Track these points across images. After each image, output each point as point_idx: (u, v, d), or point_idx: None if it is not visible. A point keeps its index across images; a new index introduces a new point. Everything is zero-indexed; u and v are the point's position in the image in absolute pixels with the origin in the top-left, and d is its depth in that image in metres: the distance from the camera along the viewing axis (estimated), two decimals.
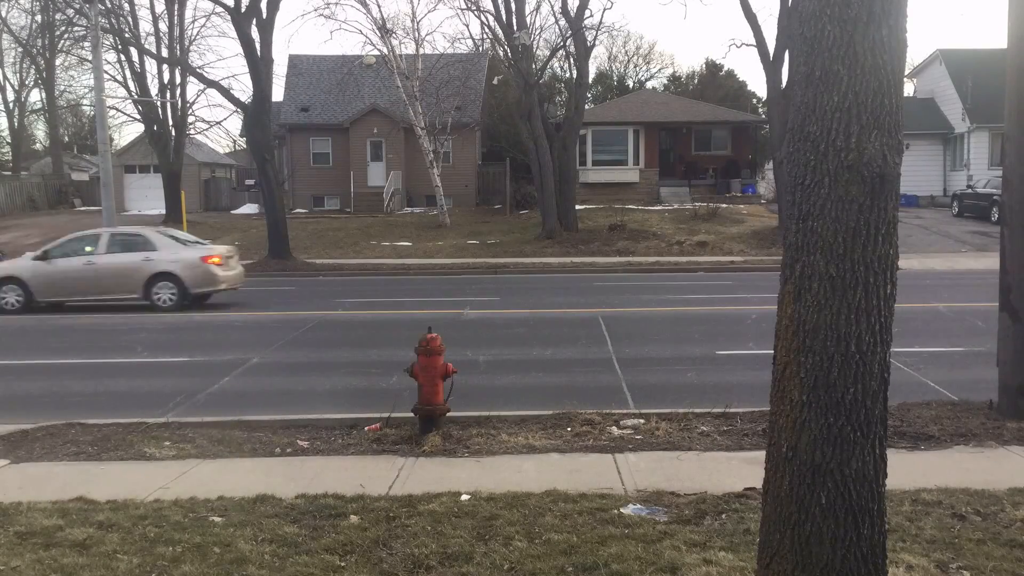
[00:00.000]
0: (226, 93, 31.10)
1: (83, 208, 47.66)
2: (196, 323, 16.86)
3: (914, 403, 8.82)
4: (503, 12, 31.55)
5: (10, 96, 55.89)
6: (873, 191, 3.73)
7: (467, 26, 63.89)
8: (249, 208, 44.64)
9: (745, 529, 5.54)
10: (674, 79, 58.44)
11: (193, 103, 46.09)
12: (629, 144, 41.47)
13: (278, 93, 40.44)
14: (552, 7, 36.29)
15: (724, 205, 36.51)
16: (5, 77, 55.39)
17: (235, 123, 70.86)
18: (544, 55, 37.62)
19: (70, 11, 38.12)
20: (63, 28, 46.32)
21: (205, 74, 36.83)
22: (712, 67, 55.70)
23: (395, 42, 35.50)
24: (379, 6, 73.22)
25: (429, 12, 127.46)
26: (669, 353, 12.54)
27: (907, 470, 6.66)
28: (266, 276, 26.04)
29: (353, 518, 5.90)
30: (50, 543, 5.53)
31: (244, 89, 51.68)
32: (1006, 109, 8.55)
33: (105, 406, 9.80)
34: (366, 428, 8.43)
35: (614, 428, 8.27)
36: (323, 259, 28.88)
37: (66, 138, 61.32)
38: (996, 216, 29.51)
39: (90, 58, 35.51)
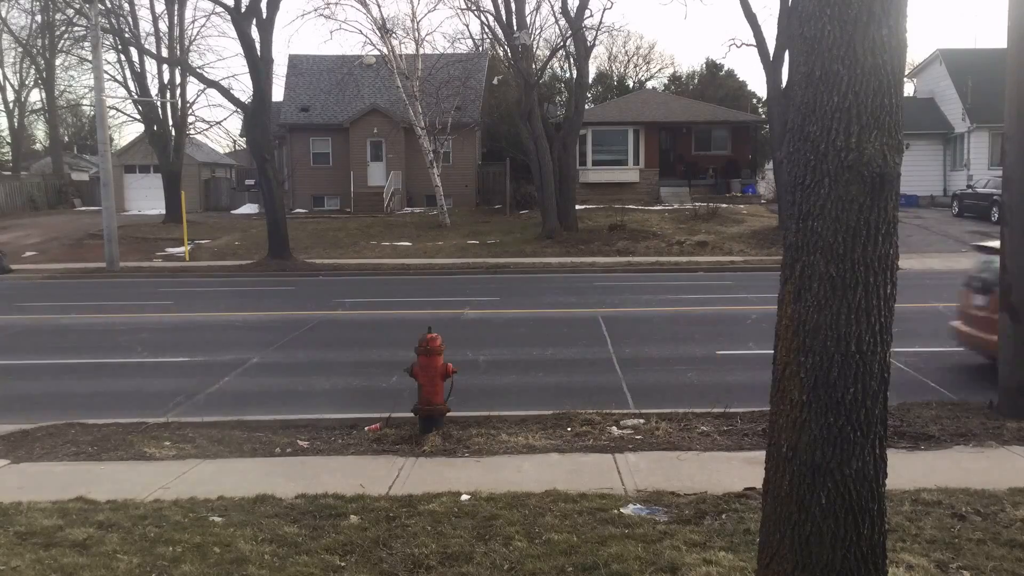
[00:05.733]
0: (226, 93, 31.12)
1: (83, 208, 47.70)
2: (196, 323, 16.87)
3: (914, 403, 8.82)
4: (503, 12, 31.54)
5: (10, 96, 56.02)
6: (873, 191, 3.73)
7: (467, 26, 63.93)
8: (249, 208, 44.66)
9: (745, 529, 5.54)
10: (674, 79, 58.46)
11: (193, 103, 46.26)
12: (629, 144, 41.46)
13: (278, 93, 40.49)
14: (552, 7, 36.33)
15: (724, 205, 36.50)
16: (5, 77, 55.52)
17: (235, 123, 71.03)
18: (544, 55, 37.61)
19: (70, 11, 38.25)
20: (63, 28, 46.43)
21: (205, 74, 36.92)
22: (712, 67, 55.72)
23: (395, 42, 35.51)
24: (379, 6, 73.38)
25: (429, 12, 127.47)
26: (669, 353, 12.54)
27: (907, 470, 6.66)
28: (266, 276, 26.05)
29: (353, 518, 5.90)
30: (50, 543, 5.52)
31: (244, 89, 51.87)
32: (1006, 109, 8.56)
33: (105, 406, 9.80)
34: (366, 428, 8.43)
35: (614, 428, 8.26)
36: (323, 259, 28.88)
37: (66, 138, 61.36)
38: (996, 216, 29.50)
39: (90, 58, 35.56)
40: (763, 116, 43.71)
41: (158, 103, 39.22)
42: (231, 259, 29.98)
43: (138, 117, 41.84)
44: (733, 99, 50.25)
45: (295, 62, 45.00)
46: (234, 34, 28.01)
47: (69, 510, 6.17)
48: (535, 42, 36.09)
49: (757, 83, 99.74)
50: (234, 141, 49.79)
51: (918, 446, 7.54)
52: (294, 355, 13.05)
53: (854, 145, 3.71)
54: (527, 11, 32.28)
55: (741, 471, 6.85)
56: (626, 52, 59.85)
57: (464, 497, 6.32)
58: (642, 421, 8.42)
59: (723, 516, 5.88)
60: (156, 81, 40.91)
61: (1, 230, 36.86)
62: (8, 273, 26.79)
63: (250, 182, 46.88)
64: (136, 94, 39.54)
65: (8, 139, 58.37)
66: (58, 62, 52.88)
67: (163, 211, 40.34)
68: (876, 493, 3.86)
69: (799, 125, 3.85)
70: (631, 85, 57.09)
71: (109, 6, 34.28)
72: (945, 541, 5.34)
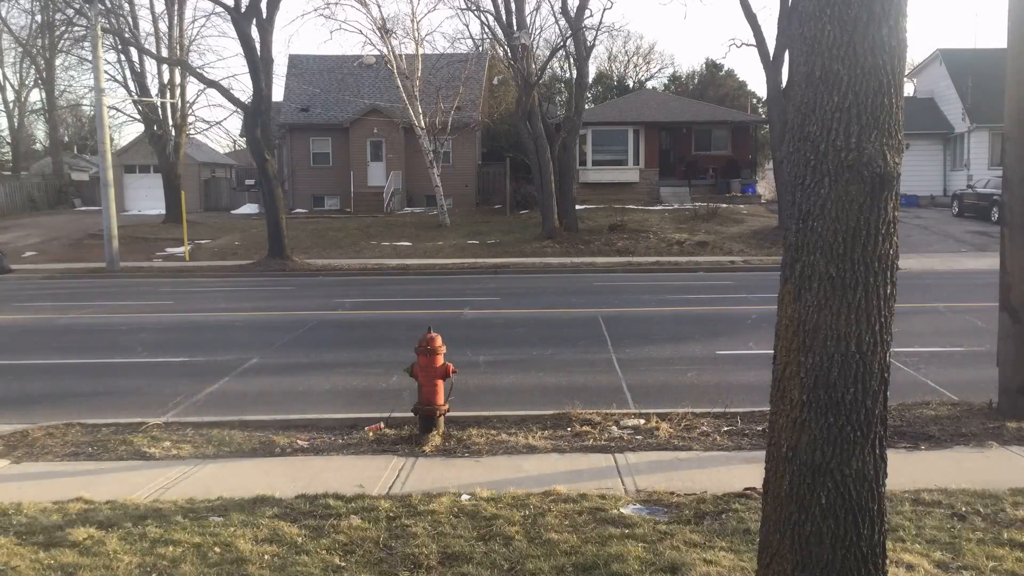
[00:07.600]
0: (226, 93, 31.10)
1: (83, 208, 47.71)
2: (196, 323, 16.87)
3: (914, 403, 8.82)
4: (503, 12, 31.54)
5: (10, 96, 56.00)
6: (873, 191, 3.73)
7: (467, 26, 64.20)
8: (249, 208, 44.67)
9: (745, 529, 5.54)
10: (674, 79, 58.51)
11: (193, 103, 46.20)
12: (629, 144, 41.48)
13: (278, 93, 40.48)
14: (552, 7, 36.34)
15: (724, 205, 36.54)
16: (5, 77, 55.50)
17: (235, 123, 71.12)
18: (544, 55, 37.59)
19: (70, 11, 38.16)
20: (63, 28, 46.38)
21: (205, 74, 36.93)
22: (712, 67, 55.77)
23: (395, 42, 35.53)
24: (379, 6, 73.46)
25: (429, 12, 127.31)
26: (669, 353, 12.54)
27: (907, 470, 6.66)
28: (266, 276, 26.06)
29: (353, 518, 5.90)
30: (50, 543, 5.52)
31: (244, 89, 51.93)
32: (1006, 109, 8.55)
33: (105, 406, 9.81)
34: (366, 428, 8.43)
35: (614, 428, 8.27)
36: (323, 259, 28.89)
37: (66, 138, 61.35)
38: (996, 216, 29.52)
39: (90, 58, 35.53)
40: (763, 116, 43.72)
41: (158, 103, 39.22)
42: (231, 259, 29.99)
43: (138, 117, 41.85)
44: (733, 99, 50.29)
45: (295, 62, 45.01)
46: (234, 34, 28.04)
47: (69, 510, 6.17)
48: (535, 42, 36.09)
49: (757, 83, 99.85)
50: (234, 141, 49.85)
51: (918, 446, 7.54)
52: (294, 355, 13.04)
53: (854, 145, 3.71)
54: (527, 11, 32.32)
55: (741, 471, 6.85)
56: (626, 52, 59.98)
57: (464, 497, 6.32)
58: (642, 421, 8.42)
59: (723, 516, 5.88)
60: (156, 81, 40.96)
61: (1, 230, 36.87)
62: (8, 273, 26.79)
63: (250, 182, 46.94)
64: (136, 94, 39.54)
65: (8, 139, 58.39)
66: (58, 62, 52.93)
67: (163, 211, 40.35)
68: (876, 493, 3.86)
69: (799, 125, 3.85)
70: (631, 85, 57.12)
71: (109, 6, 34.27)
72: (945, 541, 5.34)
